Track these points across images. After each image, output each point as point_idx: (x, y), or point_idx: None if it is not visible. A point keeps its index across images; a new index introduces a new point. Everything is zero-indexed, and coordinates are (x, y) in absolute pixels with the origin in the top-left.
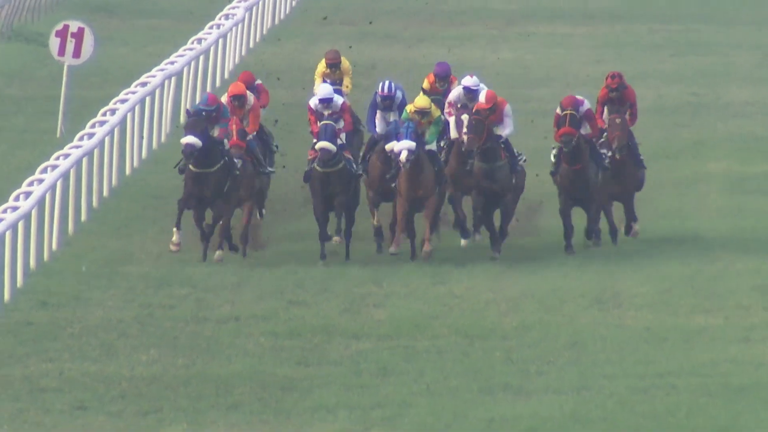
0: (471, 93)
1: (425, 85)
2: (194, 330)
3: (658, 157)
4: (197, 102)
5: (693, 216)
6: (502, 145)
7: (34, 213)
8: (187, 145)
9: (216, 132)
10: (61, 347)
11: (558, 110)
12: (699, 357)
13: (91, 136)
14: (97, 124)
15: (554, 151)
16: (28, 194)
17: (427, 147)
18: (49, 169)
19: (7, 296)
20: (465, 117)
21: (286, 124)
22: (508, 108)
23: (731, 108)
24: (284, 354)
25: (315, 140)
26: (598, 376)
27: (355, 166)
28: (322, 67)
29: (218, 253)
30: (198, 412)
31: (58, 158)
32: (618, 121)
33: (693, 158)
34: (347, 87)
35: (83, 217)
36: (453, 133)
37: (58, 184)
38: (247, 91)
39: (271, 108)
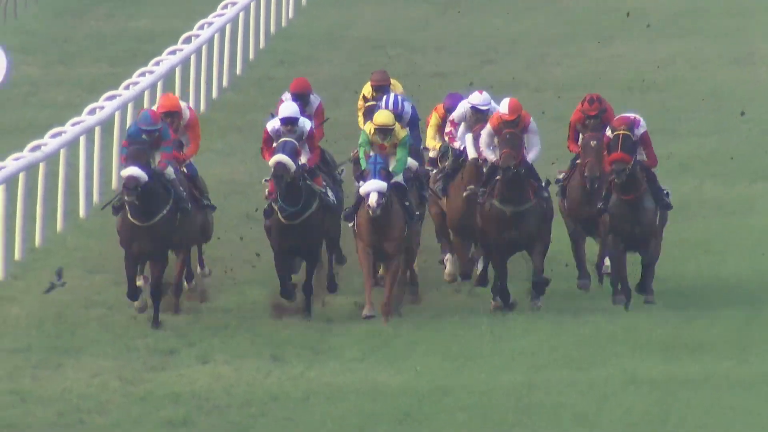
0: (480, 113)
1: (434, 120)
2: (406, 84)
3: None
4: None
5: None
6: (527, 172)
7: None
8: (130, 178)
9: (157, 159)
10: None
11: (609, 132)
12: None
13: None
14: None
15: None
16: None
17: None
18: None
19: (251, 56)
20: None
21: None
22: (533, 124)
23: None
24: None
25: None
26: (735, 121)
27: (331, 195)
28: (366, 91)
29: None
30: None
31: None
32: (593, 144)
33: None
34: None
35: None
36: (471, 152)
37: None
38: (182, 104)
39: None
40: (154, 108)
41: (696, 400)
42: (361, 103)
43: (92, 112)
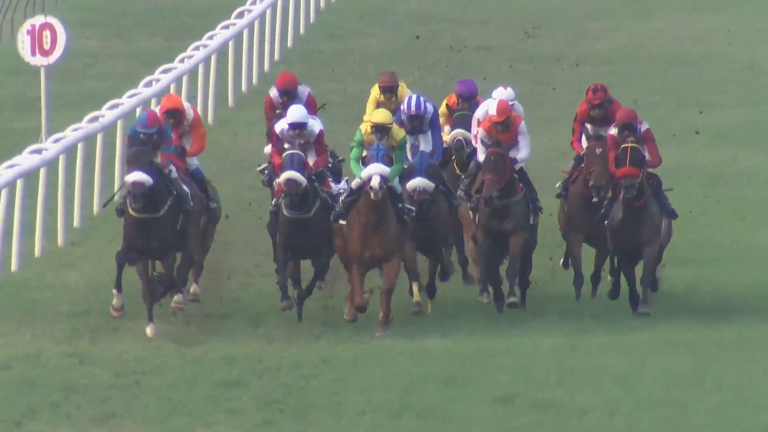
0: None
1: (443, 110)
2: (450, 58)
3: None
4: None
5: None
6: (516, 176)
7: None
8: (135, 183)
9: (158, 159)
10: (346, 70)
11: (613, 130)
12: None
13: None
14: None
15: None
16: None
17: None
18: None
19: (302, 30)
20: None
21: None
22: (523, 125)
23: None
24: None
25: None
26: None
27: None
28: (375, 93)
29: (177, 297)
30: None
31: None
32: (598, 151)
33: None
34: None
35: None
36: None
37: None
38: (186, 104)
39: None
40: (156, 108)
41: (731, 363)
42: (370, 105)
43: (148, 84)
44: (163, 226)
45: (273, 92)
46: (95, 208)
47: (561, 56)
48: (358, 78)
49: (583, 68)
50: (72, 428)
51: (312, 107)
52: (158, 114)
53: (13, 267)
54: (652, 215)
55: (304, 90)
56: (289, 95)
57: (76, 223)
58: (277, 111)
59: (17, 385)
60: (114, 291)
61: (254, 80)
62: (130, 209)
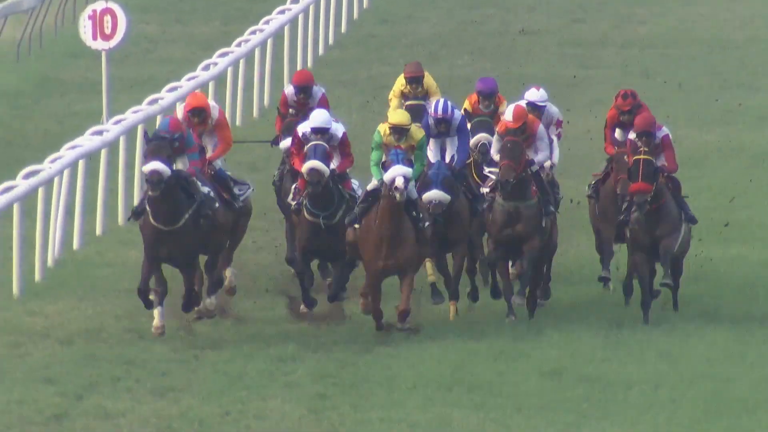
0: (537, 110)
1: (466, 106)
2: (499, 42)
3: None
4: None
5: None
6: (531, 175)
7: None
8: (153, 172)
9: (181, 165)
10: (398, 54)
11: (632, 136)
12: None
13: None
14: None
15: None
16: None
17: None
18: None
19: (355, 15)
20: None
21: None
22: (542, 129)
23: None
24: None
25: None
26: None
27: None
28: (400, 83)
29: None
30: None
31: None
32: (626, 158)
33: None
34: None
35: None
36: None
37: None
38: (211, 103)
39: None
40: (180, 108)
41: None
42: (394, 97)
43: (206, 68)
44: (183, 237)
45: (288, 89)
46: None
47: (607, 40)
48: (410, 62)
49: (629, 52)
50: (132, 401)
51: (325, 108)
52: (183, 114)
53: (75, 245)
54: (671, 215)
55: (318, 91)
56: (305, 92)
57: (136, 202)
58: (291, 110)
59: (79, 359)
60: (155, 311)
61: (309, 63)
62: (150, 218)
